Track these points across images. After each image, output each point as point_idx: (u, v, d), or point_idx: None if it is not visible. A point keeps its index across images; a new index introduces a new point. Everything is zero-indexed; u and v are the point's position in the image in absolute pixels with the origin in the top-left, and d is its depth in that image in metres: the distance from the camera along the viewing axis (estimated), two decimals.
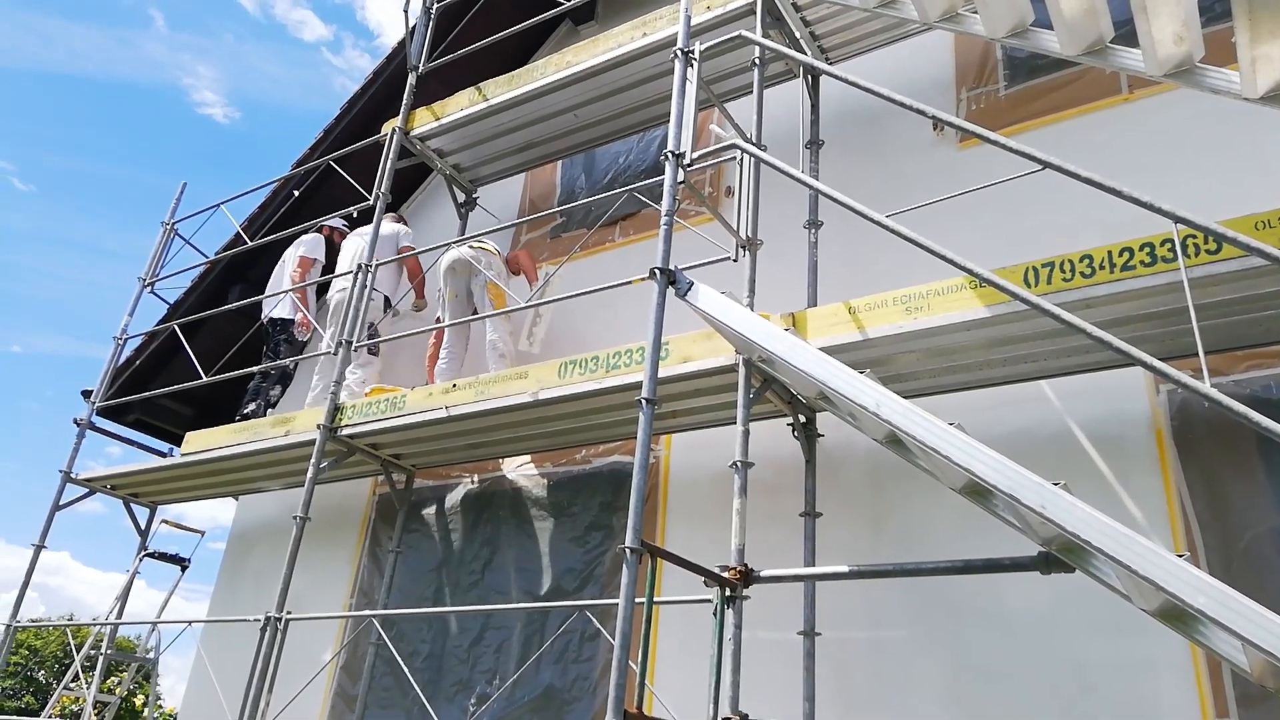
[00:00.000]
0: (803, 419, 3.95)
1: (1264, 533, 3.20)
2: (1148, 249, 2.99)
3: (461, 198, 6.50)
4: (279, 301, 6.36)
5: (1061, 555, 2.46)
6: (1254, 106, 2.94)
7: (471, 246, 5.52)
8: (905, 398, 2.77)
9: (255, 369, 6.11)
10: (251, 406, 6.25)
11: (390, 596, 5.19)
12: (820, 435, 3.98)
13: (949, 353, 3.53)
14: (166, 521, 6.58)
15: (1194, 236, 2.89)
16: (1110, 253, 3.06)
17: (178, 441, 6.43)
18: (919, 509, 3.87)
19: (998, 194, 3.35)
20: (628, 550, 2.85)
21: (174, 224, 7.04)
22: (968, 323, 3.29)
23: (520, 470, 5.33)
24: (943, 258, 2.83)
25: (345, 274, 5.94)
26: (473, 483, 5.49)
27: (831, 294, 3.99)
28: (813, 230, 4.41)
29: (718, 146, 3.89)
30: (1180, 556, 2.08)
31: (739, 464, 3.31)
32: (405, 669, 4.20)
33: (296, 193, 7.20)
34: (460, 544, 5.34)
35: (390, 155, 5.80)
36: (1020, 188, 3.25)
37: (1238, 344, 3.30)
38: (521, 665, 4.55)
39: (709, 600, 3.04)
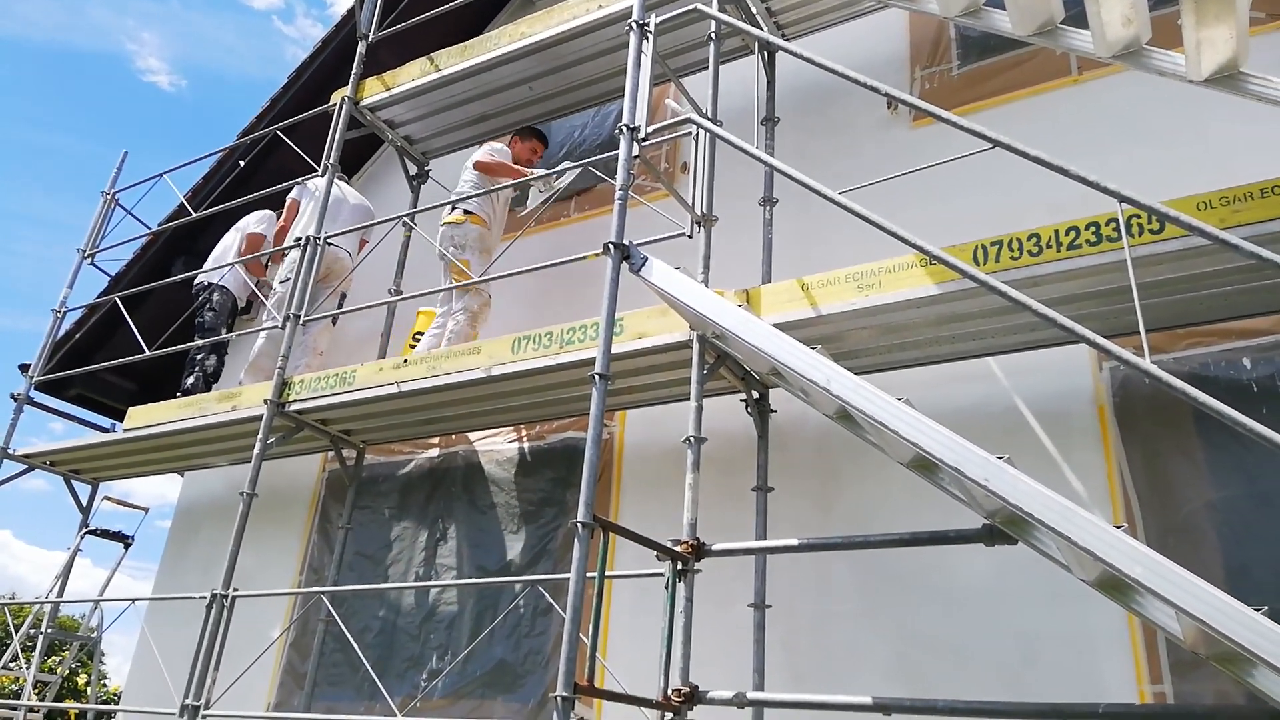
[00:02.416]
0: (756, 395, 3.97)
1: (1200, 506, 3.29)
2: (1093, 228, 3.04)
3: (413, 170, 6.38)
4: (224, 272, 6.23)
5: (1005, 528, 2.51)
6: (1198, 89, 3.00)
7: (443, 222, 5.39)
8: (857, 374, 2.79)
9: (197, 342, 5.98)
10: (190, 380, 6.11)
11: (340, 573, 5.14)
12: (773, 411, 4.00)
13: (900, 329, 3.57)
14: (109, 498, 6.43)
15: (1138, 216, 2.94)
16: (1057, 231, 3.11)
17: (120, 417, 6.26)
18: (869, 484, 3.92)
19: (950, 172, 3.38)
20: (579, 525, 2.85)
21: (115, 194, 6.84)
22: (918, 300, 3.32)
23: (473, 446, 5.29)
24: (894, 235, 2.85)
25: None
26: (425, 459, 5.44)
27: (786, 271, 4.00)
28: (768, 207, 4.42)
29: (673, 121, 3.86)
30: (1118, 528, 2.13)
31: (692, 439, 3.32)
32: (355, 645, 4.16)
33: (242, 163, 7.03)
34: (412, 520, 5.30)
35: (339, 125, 5.67)
36: (972, 167, 3.28)
37: (1178, 322, 3.38)
38: (474, 640, 4.53)
39: (661, 574, 3.06)
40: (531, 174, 5.36)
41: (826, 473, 4.10)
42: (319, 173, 5.56)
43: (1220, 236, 2.36)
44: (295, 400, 4.82)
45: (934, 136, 4.25)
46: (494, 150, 5.53)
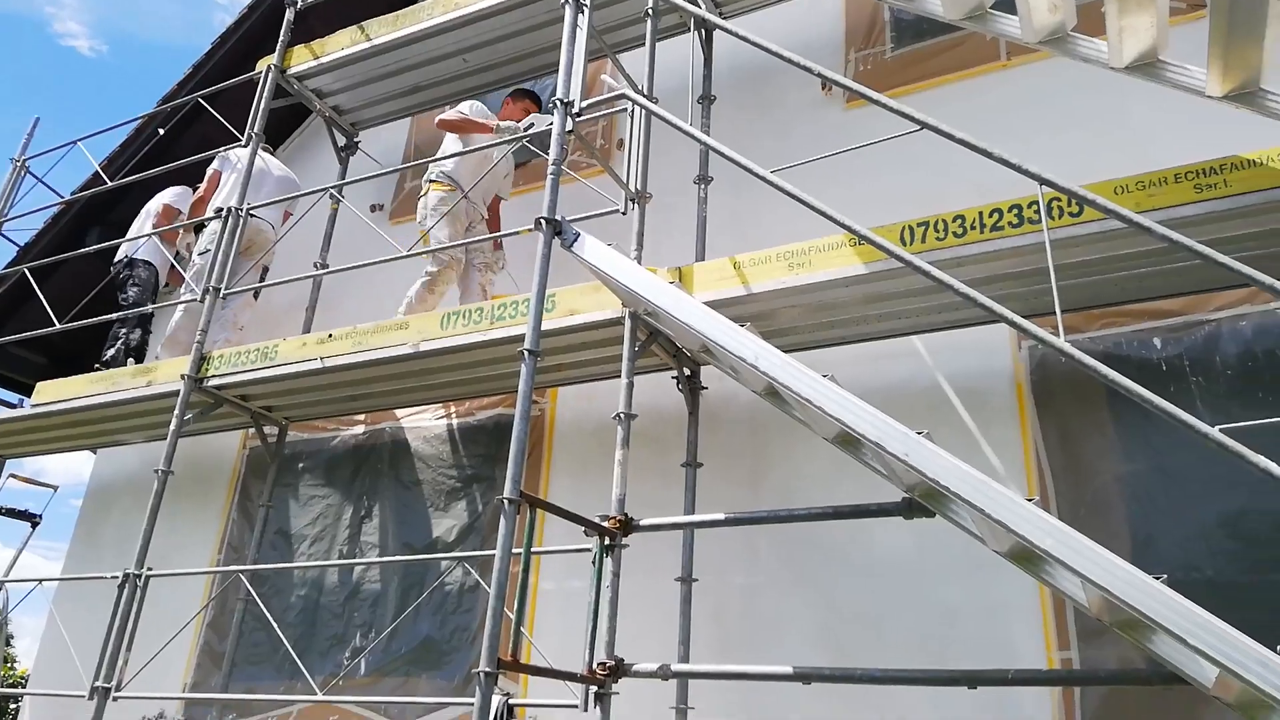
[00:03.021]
0: (687, 372, 3.97)
1: (1110, 480, 3.41)
2: (1016, 210, 3.11)
3: (342, 141, 6.22)
4: (137, 246, 6.00)
5: (923, 501, 2.55)
6: (1120, 75, 3.07)
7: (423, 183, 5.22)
8: (787, 352, 2.81)
9: (114, 315, 5.75)
10: (111, 352, 5.88)
11: (261, 551, 5.01)
12: (704, 388, 4.02)
13: (829, 308, 3.61)
14: (15, 476, 6.16)
15: (1059, 199, 3.01)
16: (981, 213, 3.17)
17: (29, 392, 5.99)
18: (797, 460, 3.97)
19: (881, 154, 3.41)
20: (505, 501, 2.82)
21: (25, 161, 6.54)
22: (847, 279, 3.36)
23: (400, 423, 5.20)
24: (823, 214, 2.86)
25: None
26: (350, 436, 5.33)
27: (720, 249, 4.00)
28: (702, 185, 4.41)
29: (607, 96, 3.83)
30: (1030, 501, 2.19)
31: (622, 416, 3.31)
32: (274, 624, 4.06)
33: (162, 131, 6.77)
34: (337, 498, 5.19)
35: (265, 94, 5.49)
36: (903, 149, 3.30)
37: (1094, 303, 3.48)
38: (398, 618, 4.47)
39: (588, 549, 3.05)
40: (498, 126, 5.20)
41: (756, 449, 4.13)
42: (242, 142, 5.37)
43: (1134, 219, 2.43)
44: (214, 375, 4.67)
45: (867, 117, 4.28)
46: (467, 108, 5.33)
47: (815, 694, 3.25)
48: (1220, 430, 2.07)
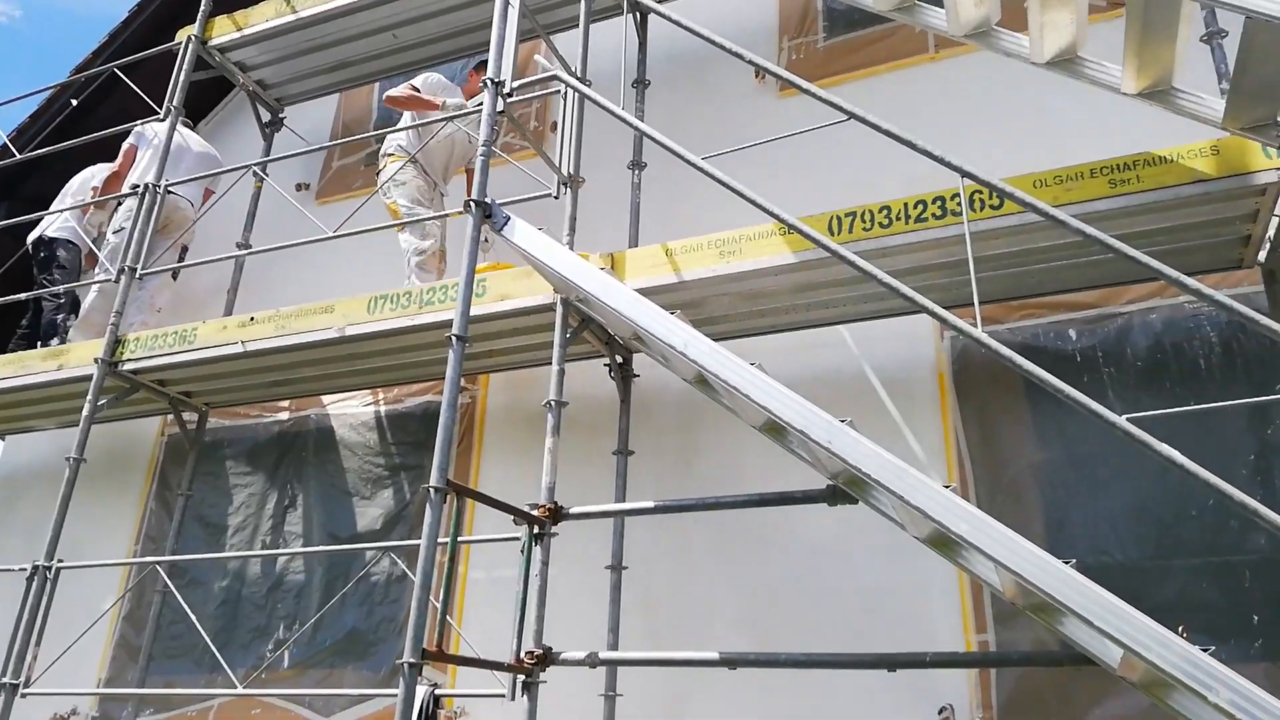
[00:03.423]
0: (619, 359, 3.96)
1: (1025, 467, 3.52)
2: (939, 202, 3.16)
3: (267, 117, 6.02)
4: (51, 223, 5.73)
5: (847, 488, 2.60)
6: (1041, 70, 3.13)
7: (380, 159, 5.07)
8: (717, 340, 2.82)
9: (25, 295, 5.49)
10: (56, 342, 5.62)
11: (180, 541, 4.87)
12: (636, 376, 4.01)
13: (758, 296, 3.63)
14: None
15: (980, 192, 3.07)
16: (906, 204, 3.22)
17: None
18: (728, 448, 3.99)
19: (814, 143, 3.42)
20: (431, 489, 2.78)
21: None
22: (776, 268, 3.39)
23: (326, 409, 5.09)
24: (753, 202, 2.88)
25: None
26: (273, 422, 5.20)
27: (653, 235, 3.99)
28: (636, 171, 4.38)
29: (539, 77, 3.78)
30: (948, 488, 2.24)
31: (553, 403, 3.29)
32: (192, 617, 3.95)
33: (75, 102, 6.46)
34: (260, 486, 5.07)
35: (184, 66, 5.28)
36: (834, 139, 3.32)
37: (1013, 295, 3.58)
38: (323, 609, 4.39)
39: (517, 538, 3.03)
40: (444, 104, 5.06)
41: (687, 437, 4.15)
42: (160, 116, 5.16)
43: (1051, 213, 2.49)
44: (130, 359, 4.50)
45: (800, 106, 4.27)
46: (421, 82, 5.10)
47: (741, 677, 3.29)
48: (1128, 419, 2.14)
